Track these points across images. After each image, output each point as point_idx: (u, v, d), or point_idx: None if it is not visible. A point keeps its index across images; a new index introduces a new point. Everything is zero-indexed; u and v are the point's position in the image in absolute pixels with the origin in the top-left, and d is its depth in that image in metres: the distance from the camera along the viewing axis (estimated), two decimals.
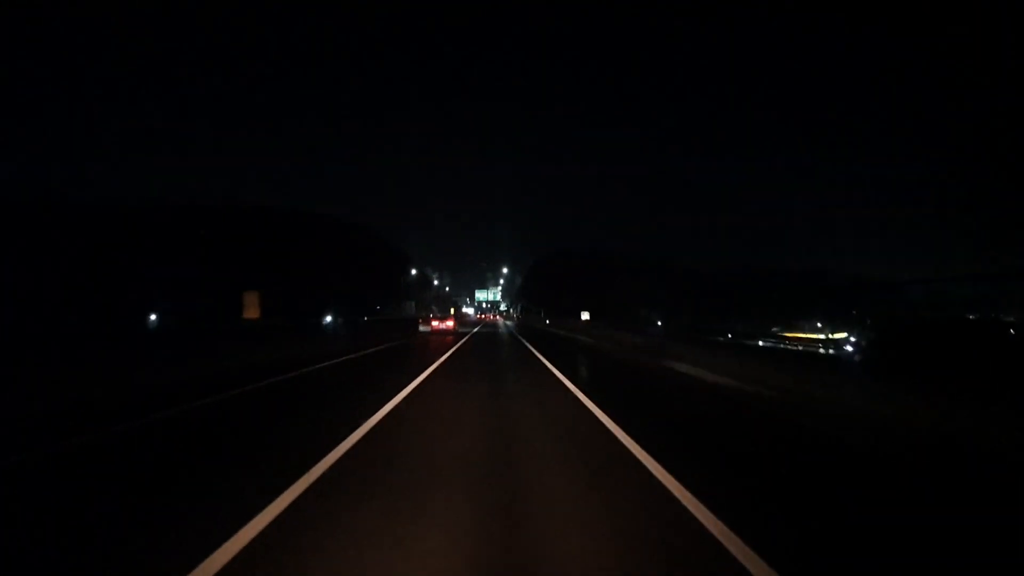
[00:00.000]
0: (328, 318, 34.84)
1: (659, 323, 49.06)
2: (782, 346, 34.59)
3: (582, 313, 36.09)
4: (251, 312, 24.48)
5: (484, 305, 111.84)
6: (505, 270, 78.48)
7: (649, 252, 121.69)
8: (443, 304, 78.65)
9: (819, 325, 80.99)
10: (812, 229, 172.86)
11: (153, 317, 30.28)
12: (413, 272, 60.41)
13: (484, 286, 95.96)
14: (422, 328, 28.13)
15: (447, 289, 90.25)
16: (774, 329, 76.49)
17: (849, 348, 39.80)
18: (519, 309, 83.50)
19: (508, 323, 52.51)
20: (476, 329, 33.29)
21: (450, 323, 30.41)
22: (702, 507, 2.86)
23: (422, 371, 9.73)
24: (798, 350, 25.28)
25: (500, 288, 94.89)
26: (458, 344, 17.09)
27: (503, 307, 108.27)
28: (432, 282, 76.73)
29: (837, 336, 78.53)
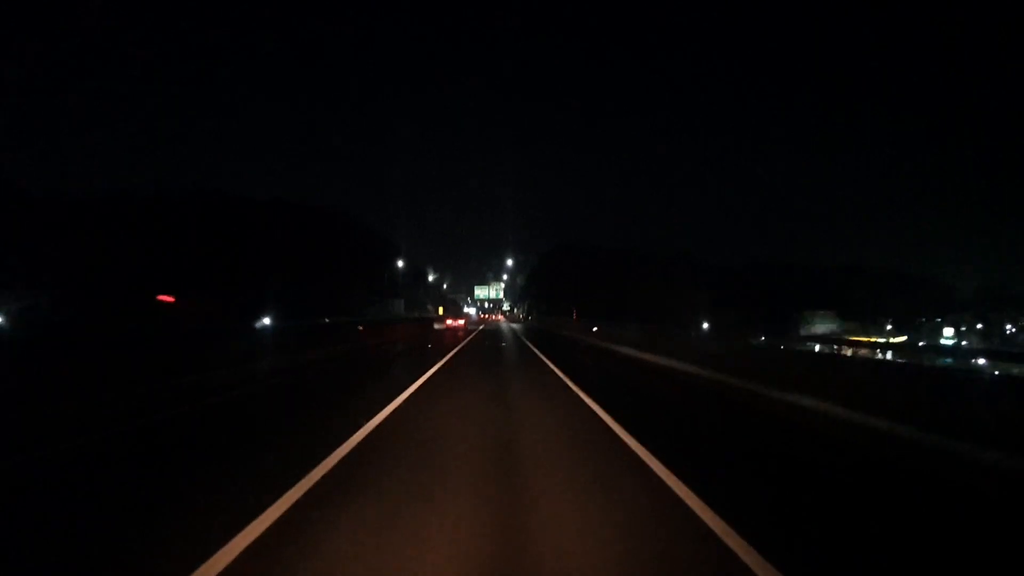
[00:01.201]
0: (267, 321, 25.48)
1: (705, 326, 39.97)
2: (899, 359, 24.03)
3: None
4: None
5: (487, 304, 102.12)
6: (509, 262, 68.75)
7: (664, 246, 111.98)
8: (439, 303, 69.53)
9: (888, 327, 71.32)
10: (832, 220, 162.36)
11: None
12: (401, 264, 50.83)
13: (484, 282, 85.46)
14: (437, 326, 31.27)
15: (445, 286, 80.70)
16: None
17: (983, 361, 28.14)
18: (525, 308, 73.89)
19: (514, 325, 42.85)
20: (471, 337, 23.86)
21: (461, 321, 34.66)
22: None
23: None
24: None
25: (503, 285, 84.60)
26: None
27: (506, 306, 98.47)
28: (427, 277, 67.24)
29: (896, 340, 68.01)
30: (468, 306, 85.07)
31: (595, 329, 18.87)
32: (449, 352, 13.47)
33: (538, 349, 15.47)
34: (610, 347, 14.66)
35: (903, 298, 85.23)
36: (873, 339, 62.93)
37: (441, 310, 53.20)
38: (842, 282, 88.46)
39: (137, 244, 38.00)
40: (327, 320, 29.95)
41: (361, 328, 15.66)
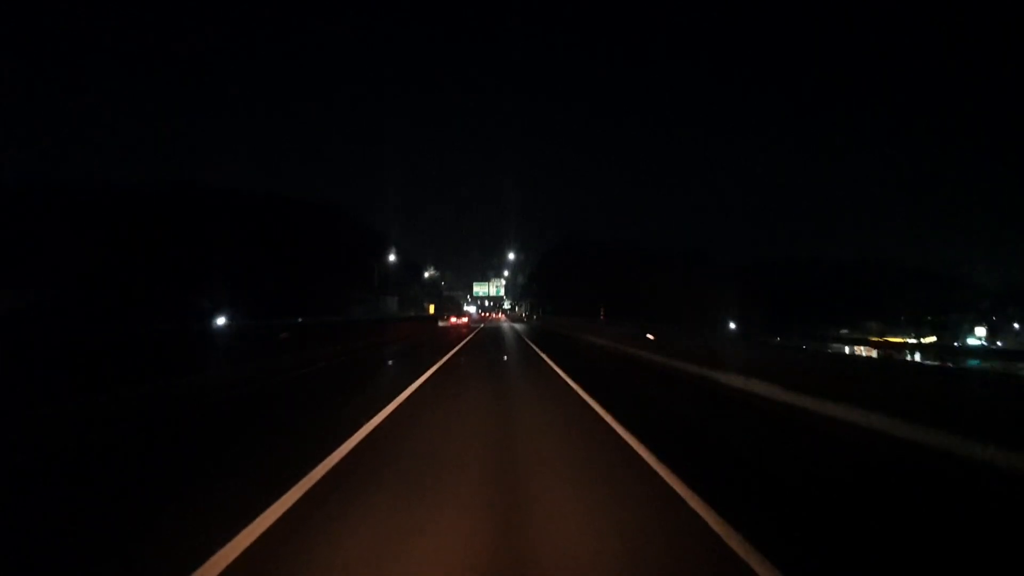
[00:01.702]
0: (222, 320, 21.50)
1: (732, 325, 35.97)
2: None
3: None
4: None
5: (487, 303, 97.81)
6: (511, 256, 64.29)
7: (669, 244, 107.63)
8: (435, 302, 65.57)
9: (927, 325, 67.04)
10: (843, 216, 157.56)
11: None
12: (393, 258, 46.69)
13: (484, 278, 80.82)
14: (441, 324, 33.71)
15: (443, 283, 76.58)
16: (843, 332, 63.14)
17: None
18: (527, 307, 69.81)
19: (516, 326, 38.80)
20: (464, 343, 19.37)
21: (465, 319, 37.45)
22: None
23: None
24: None
25: (503, 281, 79.91)
26: None
27: (507, 304, 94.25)
28: (423, 273, 63.13)
29: (927, 341, 63.56)
30: (468, 304, 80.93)
31: (651, 337, 11.75)
32: (408, 386, 7.81)
33: (580, 385, 7.79)
34: (711, 376, 7.73)
35: (921, 294, 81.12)
36: (900, 339, 58.68)
37: (431, 308, 50.40)
38: (856, 278, 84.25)
39: (93, 237, 34.23)
40: (299, 320, 26.01)
41: (284, 336, 11.19)
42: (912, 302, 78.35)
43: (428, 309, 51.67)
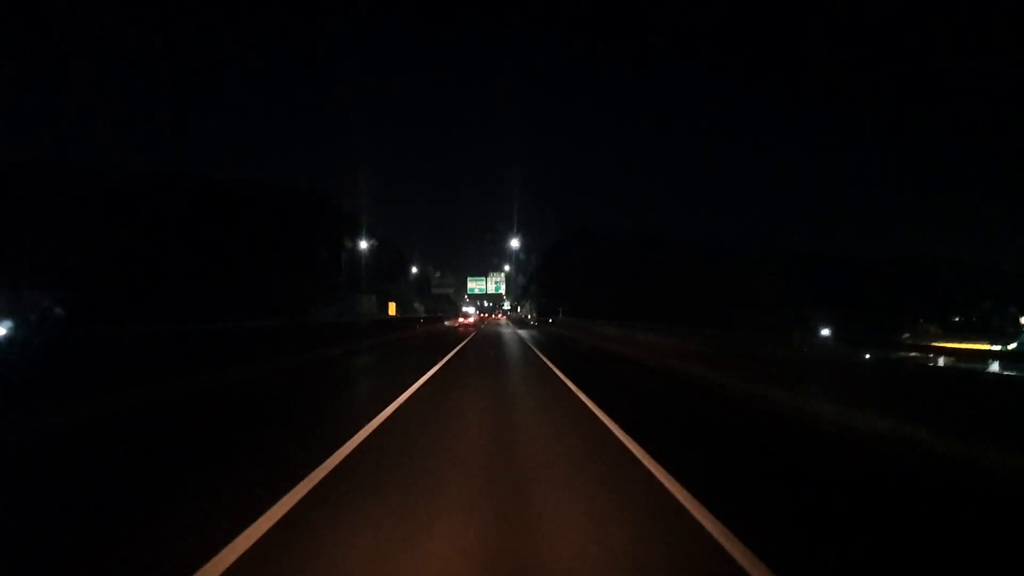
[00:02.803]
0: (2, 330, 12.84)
1: (824, 332, 27.57)
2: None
3: None
4: None
5: (485, 302, 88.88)
6: (515, 243, 55.59)
7: (687, 240, 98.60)
8: (425, 301, 57.18)
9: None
10: (877, 210, 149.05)
11: None
12: (364, 245, 37.84)
13: (482, 274, 71.80)
14: (447, 323, 39.74)
15: (434, 279, 67.98)
16: (905, 336, 54.64)
17: None
18: (534, 307, 61.32)
19: (521, 332, 30.17)
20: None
21: (471, 320, 41.97)
22: None
23: None
24: None
25: (503, 275, 70.92)
26: None
27: (507, 304, 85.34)
28: (410, 268, 54.48)
29: (1012, 347, 53.30)
30: (466, 305, 72.50)
31: None
32: None
33: None
34: None
35: (975, 294, 72.72)
36: (978, 346, 49.26)
37: (392, 307, 45.39)
38: (902, 277, 75.71)
39: None
40: (201, 327, 17.47)
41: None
42: (961, 302, 70.11)
43: (390, 309, 43.94)
